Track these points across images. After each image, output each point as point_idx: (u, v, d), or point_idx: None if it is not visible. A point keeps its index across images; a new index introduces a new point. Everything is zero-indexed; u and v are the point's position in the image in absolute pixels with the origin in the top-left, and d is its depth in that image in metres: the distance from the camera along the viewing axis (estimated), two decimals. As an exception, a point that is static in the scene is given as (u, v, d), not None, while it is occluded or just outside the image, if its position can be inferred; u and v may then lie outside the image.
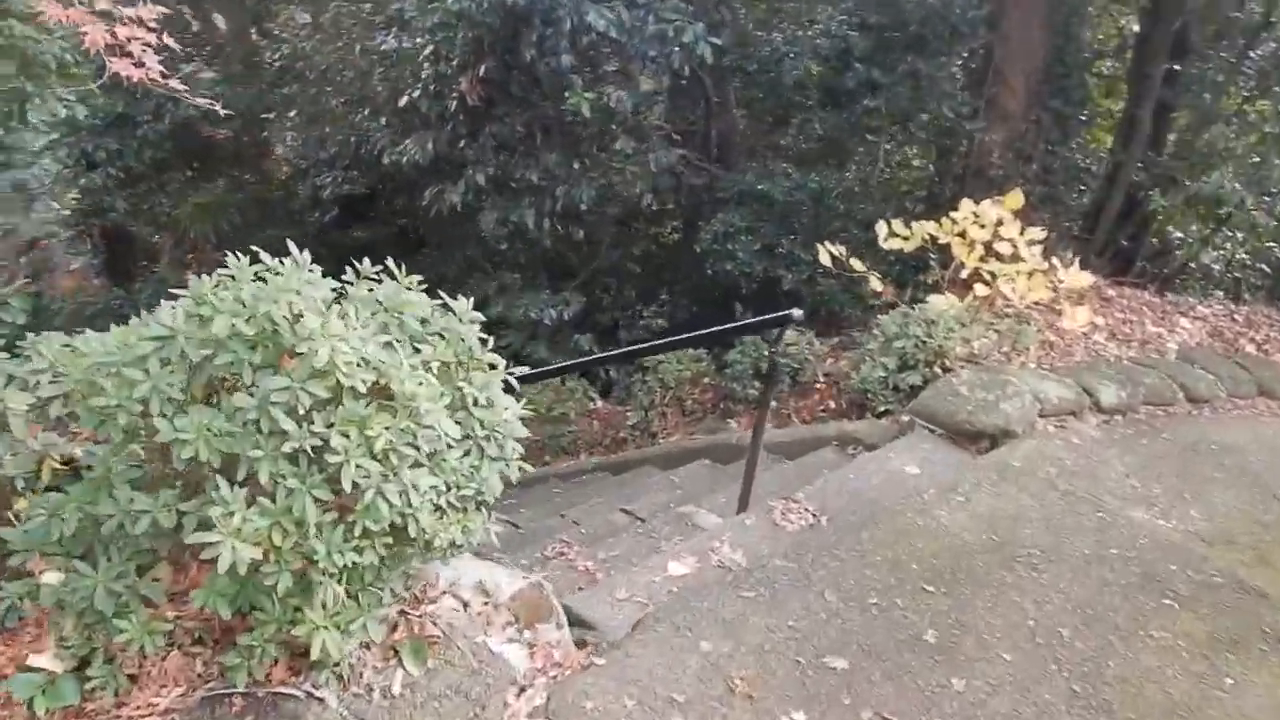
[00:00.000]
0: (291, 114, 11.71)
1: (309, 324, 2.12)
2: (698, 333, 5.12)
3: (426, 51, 8.74)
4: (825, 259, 7.00)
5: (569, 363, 7.01)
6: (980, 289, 6.61)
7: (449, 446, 2.45)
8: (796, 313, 4.27)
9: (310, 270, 2.58)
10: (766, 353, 4.46)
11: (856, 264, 6.97)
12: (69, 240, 16.01)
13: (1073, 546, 4.18)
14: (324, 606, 2.18)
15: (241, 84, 12.34)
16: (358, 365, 2.20)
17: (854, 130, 10.34)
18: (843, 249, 7.01)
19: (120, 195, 13.46)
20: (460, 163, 9.09)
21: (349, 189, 12.03)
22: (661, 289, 11.48)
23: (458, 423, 2.52)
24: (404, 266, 2.78)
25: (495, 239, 9.76)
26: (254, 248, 2.53)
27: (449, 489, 2.43)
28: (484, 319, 2.83)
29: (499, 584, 3.10)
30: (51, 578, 2.24)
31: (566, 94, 8.35)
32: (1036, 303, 6.69)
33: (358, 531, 2.16)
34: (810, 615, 3.45)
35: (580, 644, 3.43)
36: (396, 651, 2.57)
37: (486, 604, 2.99)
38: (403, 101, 8.84)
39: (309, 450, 2.11)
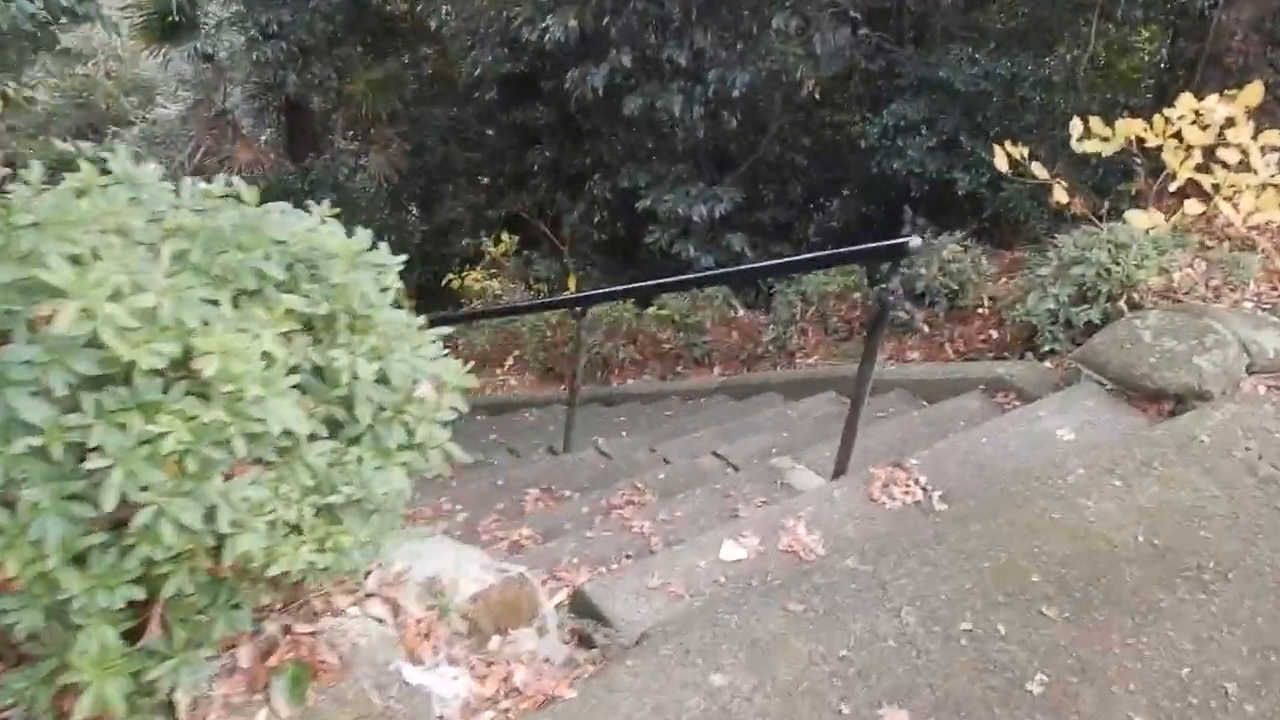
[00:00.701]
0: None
1: (57, 270, 1.50)
2: (787, 260, 4.27)
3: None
4: (1001, 161, 5.88)
5: (564, 297, 6.16)
6: (1192, 205, 5.35)
7: (310, 439, 1.81)
8: (913, 242, 3.35)
9: (166, 182, 1.95)
10: (881, 288, 3.59)
11: (1037, 169, 5.82)
12: (255, 113, 16.27)
13: (1265, 560, 3.16)
14: (94, 653, 1.62)
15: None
16: (157, 330, 1.58)
17: (1065, 6, 8.77)
18: (1024, 150, 5.87)
19: (293, 68, 13.43)
20: (606, 41, 8.29)
21: (508, 68, 11.46)
22: (836, 187, 10.40)
23: (340, 402, 1.88)
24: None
25: (644, 126, 8.97)
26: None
27: (305, 496, 1.80)
28: (404, 259, 2.15)
29: (458, 581, 2.48)
30: None
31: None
32: (1266, 225, 5.37)
33: (133, 562, 1.57)
34: (874, 642, 2.67)
35: (587, 643, 2.82)
36: (269, 682, 2.01)
37: (431, 609, 2.39)
38: (542, -32, 8.08)
39: (57, 450, 1.52)
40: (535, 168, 12.10)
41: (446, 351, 2.39)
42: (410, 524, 4.78)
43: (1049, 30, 9.13)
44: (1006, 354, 5.58)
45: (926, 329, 6.23)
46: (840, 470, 3.86)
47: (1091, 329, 4.91)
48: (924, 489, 3.65)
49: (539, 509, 4.59)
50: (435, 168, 14.14)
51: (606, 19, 8.25)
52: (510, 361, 10.57)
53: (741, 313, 8.12)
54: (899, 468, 3.76)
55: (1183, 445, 3.74)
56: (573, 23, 8.26)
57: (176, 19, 15.07)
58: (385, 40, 14.78)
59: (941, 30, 10.09)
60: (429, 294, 14.84)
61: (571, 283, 11.12)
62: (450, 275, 13.16)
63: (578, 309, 5.32)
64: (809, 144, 10.53)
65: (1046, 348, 5.12)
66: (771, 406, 5.85)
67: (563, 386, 9.28)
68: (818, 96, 8.87)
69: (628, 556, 3.62)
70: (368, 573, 2.40)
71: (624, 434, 6.01)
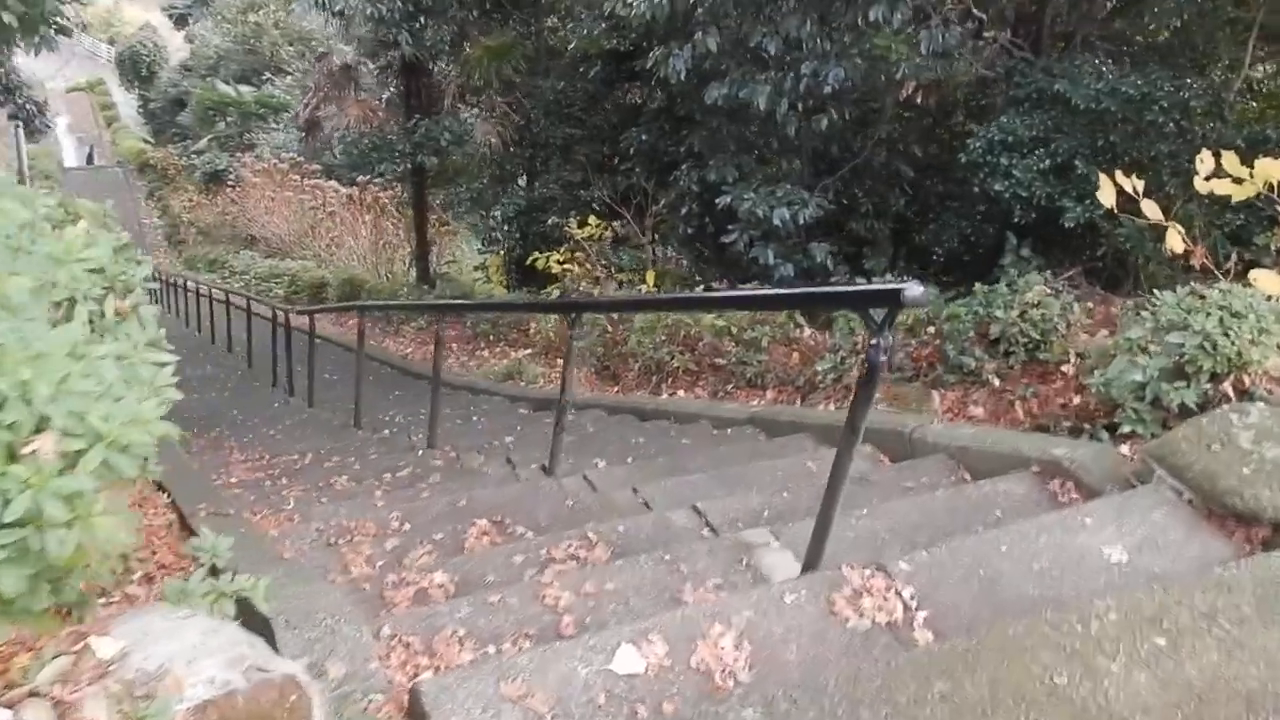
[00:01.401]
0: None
1: None
2: (752, 293, 3.52)
3: None
4: (1107, 194, 4.94)
5: (557, 300, 5.45)
6: (1338, 272, 4.33)
7: None
8: (910, 291, 2.55)
9: None
10: (870, 344, 2.81)
11: (1149, 207, 4.86)
12: (379, 70, 16.09)
13: (1351, 786, 2.29)
14: None
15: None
16: None
17: (1219, 19, 7.56)
18: (1139, 183, 4.91)
19: (407, 27, 13.15)
20: (694, 21, 7.57)
21: (614, 44, 10.86)
22: (945, 203, 9.40)
23: None
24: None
25: (734, 117, 8.21)
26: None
27: None
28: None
29: (185, 680, 1.86)
30: None
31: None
32: None
33: None
34: None
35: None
36: None
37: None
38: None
39: None
40: (631, 151, 11.47)
41: (175, 380, 1.77)
42: (346, 538, 4.24)
43: (1197, 48, 7.90)
44: (1087, 425, 4.65)
45: (997, 382, 5.32)
46: (810, 564, 3.09)
47: (1185, 413, 3.98)
48: (906, 605, 2.86)
49: (479, 545, 3.96)
50: (538, 142, 13.68)
51: (693, -1, 7.53)
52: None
53: (807, 333, 7.30)
54: (882, 571, 2.97)
55: (1267, 596, 2.83)
56: None
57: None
58: (509, 6, 14.33)
59: (1083, 40, 8.95)
60: (525, 270, 14.43)
61: (650, 277, 10.47)
62: (535, 254, 12.70)
63: (571, 315, 4.66)
64: (921, 153, 9.54)
65: (1127, 428, 4.20)
66: (797, 453, 5.07)
67: (616, 389, 8.66)
68: (920, 100, 7.93)
69: (527, 636, 2.95)
70: (56, 655, 1.82)
71: (630, 459, 5.33)
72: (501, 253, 15.04)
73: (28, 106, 14.67)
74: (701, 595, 3.15)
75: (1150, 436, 4.09)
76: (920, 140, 9.70)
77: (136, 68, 41.72)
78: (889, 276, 8.55)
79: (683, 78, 7.79)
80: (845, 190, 9.65)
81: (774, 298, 3.84)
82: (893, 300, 2.64)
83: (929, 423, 4.77)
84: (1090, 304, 6.61)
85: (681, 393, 7.79)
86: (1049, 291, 5.41)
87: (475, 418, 8.34)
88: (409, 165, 14.20)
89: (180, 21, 45.58)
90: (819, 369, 6.44)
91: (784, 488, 4.24)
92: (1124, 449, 4.12)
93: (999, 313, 5.35)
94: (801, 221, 8.30)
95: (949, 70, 7.41)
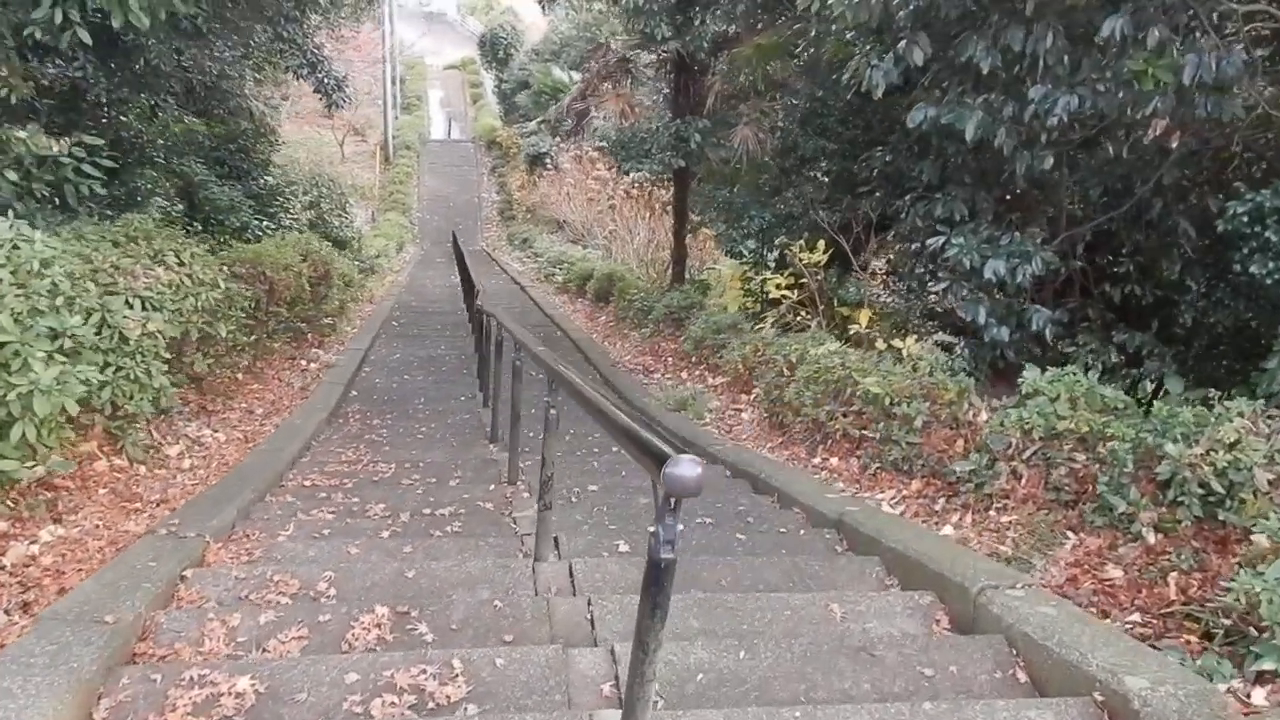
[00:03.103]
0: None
1: None
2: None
3: None
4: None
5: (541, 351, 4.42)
6: None
7: None
8: (679, 470, 1.64)
9: None
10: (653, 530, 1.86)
11: None
12: (655, 65, 15.84)
13: None
14: None
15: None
16: None
17: None
18: None
19: (667, 19, 12.72)
20: (897, 28, 6.40)
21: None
22: (1225, 273, 7.45)
23: None
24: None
25: (966, 144, 6.94)
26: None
27: None
28: None
29: None
30: None
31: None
32: None
33: None
34: None
35: None
36: None
37: None
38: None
39: None
40: (875, 173, 10.25)
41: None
42: (258, 594, 3.73)
43: None
44: (1254, 629, 3.22)
45: (1152, 538, 3.88)
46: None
47: (1367, 667, 2.56)
48: None
49: (361, 640, 3.29)
50: (795, 153, 12.71)
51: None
52: (759, 390, 9.03)
53: (984, 417, 5.92)
54: None
55: None
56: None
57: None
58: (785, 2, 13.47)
59: None
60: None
61: (863, 317, 9.25)
62: (765, 275, 11.82)
63: (551, 381, 3.86)
64: (1217, 209, 7.61)
65: (1268, 664, 2.79)
66: (840, 586, 3.96)
67: (779, 441, 7.66)
68: (1174, 143, 6.19)
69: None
70: None
71: (690, 532, 4.44)
72: (748, 268, 14.25)
73: (327, 81, 15.67)
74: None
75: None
76: (1217, 192, 7.76)
77: (495, 50, 44.66)
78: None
79: (880, 93, 6.63)
80: (1105, 245, 7.98)
81: (597, 412, 2.83)
82: (656, 465, 1.70)
83: (1009, 584, 3.51)
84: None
85: (835, 460, 6.68)
86: (1255, 429, 3.87)
87: (615, 449, 7.67)
88: (658, 165, 13.85)
89: (546, 7, 48.26)
90: (957, 469, 5.18)
91: (755, 639, 3.21)
92: (1258, 695, 2.74)
93: (1171, 446, 3.89)
94: (1020, 279, 6.84)
95: (1220, 109, 5.66)
